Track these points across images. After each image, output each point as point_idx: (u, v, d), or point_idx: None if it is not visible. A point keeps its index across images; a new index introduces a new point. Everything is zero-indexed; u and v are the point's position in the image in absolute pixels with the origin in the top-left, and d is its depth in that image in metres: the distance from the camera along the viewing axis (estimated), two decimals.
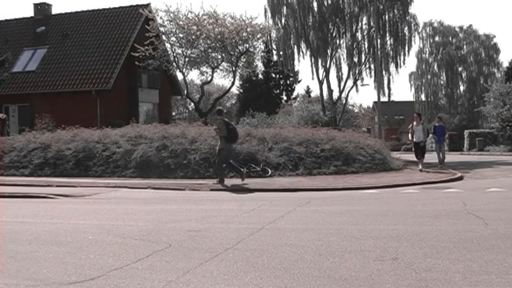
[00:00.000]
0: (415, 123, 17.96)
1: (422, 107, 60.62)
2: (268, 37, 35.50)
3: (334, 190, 12.72)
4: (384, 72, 36.89)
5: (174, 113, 50.89)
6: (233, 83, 29.47)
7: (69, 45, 30.32)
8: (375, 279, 4.47)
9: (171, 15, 24.68)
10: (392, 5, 36.66)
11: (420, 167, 17.71)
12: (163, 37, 25.41)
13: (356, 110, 61.37)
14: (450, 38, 58.26)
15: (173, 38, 25.26)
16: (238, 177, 15.62)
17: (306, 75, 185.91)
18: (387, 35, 36.99)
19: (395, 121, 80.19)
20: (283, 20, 37.56)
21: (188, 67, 26.21)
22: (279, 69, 50.04)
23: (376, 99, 34.20)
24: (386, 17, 36.95)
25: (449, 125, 52.73)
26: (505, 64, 52.87)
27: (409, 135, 18.30)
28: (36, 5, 33.58)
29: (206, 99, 45.49)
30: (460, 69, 58.15)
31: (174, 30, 24.99)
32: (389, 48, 37.45)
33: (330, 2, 36.80)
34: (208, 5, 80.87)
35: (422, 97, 60.13)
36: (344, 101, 40.01)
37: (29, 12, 63.31)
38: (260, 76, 59.51)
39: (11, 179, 15.68)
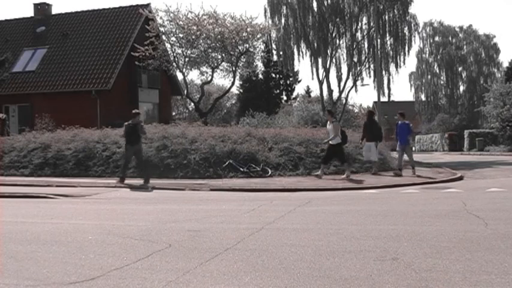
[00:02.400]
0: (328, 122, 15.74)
1: (422, 107, 60.59)
2: (268, 37, 35.51)
3: (334, 190, 12.73)
4: (383, 72, 36.87)
5: (174, 113, 50.88)
6: (233, 83, 29.52)
7: (69, 45, 30.31)
8: (375, 279, 4.47)
9: (171, 15, 24.70)
10: (392, 5, 36.65)
11: (319, 172, 15.12)
12: (163, 37, 25.42)
13: (356, 110, 61.41)
14: (450, 38, 58.21)
15: (173, 38, 25.29)
16: (239, 177, 15.64)
17: (306, 75, 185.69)
18: (387, 35, 36.97)
19: (396, 121, 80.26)
20: (283, 20, 37.55)
21: (188, 67, 26.23)
22: (279, 69, 50.01)
23: (376, 99, 34.17)
24: (386, 17, 36.93)
25: (449, 125, 52.72)
26: (505, 64, 52.84)
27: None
28: (36, 5, 33.56)
29: (206, 99, 45.51)
30: (460, 69, 58.09)
31: (174, 30, 25.01)
32: (389, 48, 37.43)
33: (329, 2, 36.78)
34: (208, 5, 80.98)
35: (422, 97, 60.08)
36: (344, 101, 40.02)
37: (29, 12, 63.40)
38: (260, 76, 59.51)
39: (11, 179, 15.68)
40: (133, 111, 15.19)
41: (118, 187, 13.65)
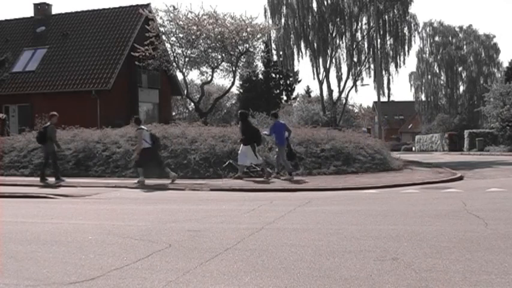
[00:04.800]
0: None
1: (422, 107, 60.61)
2: (268, 37, 35.55)
3: (334, 190, 12.72)
4: (383, 72, 36.95)
5: (174, 113, 50.89)
6: (233, 83, 29.52)
7: (69, 45, 30.30)
8: (375, 279, 4.47)
9: (171, 15, 24.69)
10: (392, 5, 36.69)
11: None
12: (163, 37, 25.41)
13: (356, 110, 61.47)
14: (450, 38, 58.22)
15: (173, 38, 25.28)
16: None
17: (306, 75, 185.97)
18: (387, 35, 37.02)
19: (395, 121, 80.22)
20: (283, 20, 37.60)
21: (188, 67, 26.22)
22: (279, 69, 50.09)
23: (376, 99, 34.20)
24: (386, 17, 36.98)
25: (449, 125, 52.72)
26: (505, 64, 52.87)
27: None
28: (36, 5, 33.56)
29: (206, 99, 45.52)
30: (460, 69, 58.10)
31: (174, 30, 25.00)
32: (389, 48, 37.49)
33: (329, 2, 36.83)
34: (208, 5, 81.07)
35: (422, 97, 60.12)
36: (344, 101, 40.06)
37: (29, 12, 63.39)
38: (260, 76, 59.55)
39: (11, 179, 15.69)
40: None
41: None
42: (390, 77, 38.07)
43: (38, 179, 15.09)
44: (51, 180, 14.82)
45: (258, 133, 15.26)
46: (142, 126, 15.03)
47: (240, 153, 15.13)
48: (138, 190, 13.46)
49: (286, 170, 15.18)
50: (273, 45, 39.99)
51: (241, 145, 15.07)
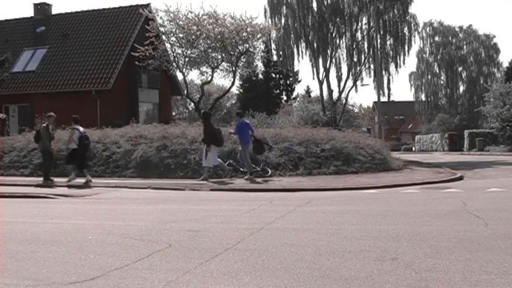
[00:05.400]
0: None
1: (422, 107, 60.59)
2: (268, 37, 35.48)
3: (334, 190, 12.72)
4: (383, 72, 36.91)
5: (174, 113, 50.89)
6: (233, 83, 29.48)
7: (69, 45, 30.30)
8: (375, 279, 4.47)
9: (171, 15, 24.68)
10: (392, 5, 36.66)
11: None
12: (163, 37, 25.40)
13: (356, 110, 61.42)
14: (450, 38, 58.20)
15: (173, 38, 25.26)
16: (239, 177, 15.65)
17: (306, 75, 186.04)
18: (387, 35, 37.00)
19: (395, 121, 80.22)
20: (283, 20, 37.59)
21: (188, 67, 26.20)
22: (279, 69, 50.06)
23: (376, 99, 34.20)
24: (386, 17, 36.95)
25: (449, 125, 52.71)
26: (505, 64, 52.87)
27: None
28: (36, 5, 33.55)
29: (206, 99, 45.50)
30: (460, 69, 58.08)
31: (174, 30, 24.99)
32: (389, 48, 37.46)
33: (329, 2, 36.80)
34: (208, 5, 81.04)
35: (422, 97, 60.10)
36: (344, 101, 40.03)
37: (29, 12, 63.37)
38: (260, 76, 59.54)
39: (11, 179, 15.69)
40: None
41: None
42: (390, 77, 38.06)
43: (39, 179, 15.09)
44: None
45: (218, 134, 15.23)
46: (77, 127, 14.98)
47: (207, 155, 15.03)
48: (138, 190, 13.45)
49: (246, 169, 15.29)
50: (273, 45, 39.98)
51: (204, 147, 15.07)
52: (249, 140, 15.36)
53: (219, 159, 15.43)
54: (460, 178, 15.40)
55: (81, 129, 15.03)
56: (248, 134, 15.35)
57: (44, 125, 15.36)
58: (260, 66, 53.07)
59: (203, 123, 15.48)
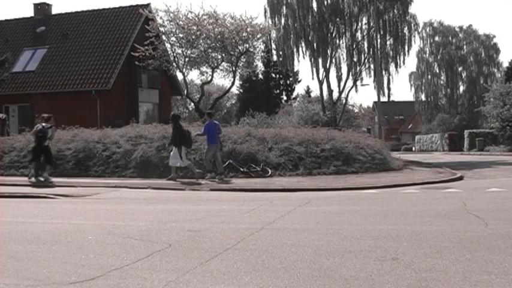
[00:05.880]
0: None
1: (422, 107, 60.58)
2: (268, 37, 35.49)
3: (334, 190, 12.72)
4: (383, 72, 36.91)
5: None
6: (233, 83, 29.50)
7: (69, 45, 30.30)
8: (375, 279, 4.47)
9: (171, 15, 24.69)
10: (392, 5, 36.66)
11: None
12: (163, 37, 25.40)
13: (356, 110, 61.42)
14: (450, 38, 58.18)
15: (173, 38, 25.27)
16: (239, 177, 15.63)
17: (306, 75, 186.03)
18: (387, 35, 36.99)
19: (395, 121, 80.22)
20: (282, 20, 37.59)
21: (188, 67, 26.21)
22: (279, 69, 50.07)
23: (376, 99, 34.20)
24: (386, 17, 36.94)
25: (449, 125, 52.71)
26: (505, 64, 52.88)
27: None
28: (36, 5, 33.55)
29: (206, 99, 45.50)
30: (460, 69, 58.07)
31: (174, 30, 24.99)
32: (389, 48, 37.45)
33: (329, 2, 36.79)
34: (208, 5, 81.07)
35: (422, 97, 60.09)
36: (344, 101, 40.03)
37: (29, 12, 63.38)
38: (260, 76, 59.54)
39: (11, 179, 15.68)
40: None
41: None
42: (390, 77, 38.05)
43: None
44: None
45: (187, 136, 15.31)
46: (43, 124, 15.06)
47: (171, 156, 15.14)
48: (138, 190, 13.45)
49: (206, 169, 15.36)
50: (273, 45, 39.96)
51: (173, 147, 15.17)
52: (217, 140, 15.39)
53: (188, 160, 15.46)
54: (460, 178, 15.40)
55: (44, 124, 15.08)
56: (216, 135, 15.34)
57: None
58: (260, 66, 53.10)
59: (172, 125, 15.54)
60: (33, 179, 14.79)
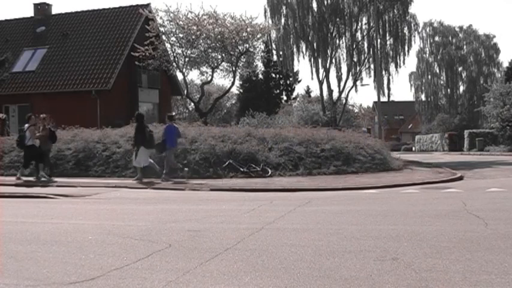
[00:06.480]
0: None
1: (422, 107, 60.55)
2: (268, 37, 35.52)
3: (334, 190, 12.72)
4: (383, 72, 36.92)
5: (174, 113, 50.81)
6: (233, 83, 29.52)
7: (69, 45, 30.29)
8: (375, 279, 4.47)
9: (171, 15, 24.70)
10: (392, 5, 36.67)
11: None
12: (163, 37, 25.41)
13: (356, 110, 61.43)
14: (450, 38, 58.16)
15: (173, 38, 25.29)
16: (239, 177, 15.64)
17: (306, 75, 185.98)
18: (387, 35, 37.00)
19: (395, 121, 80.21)
20: (282, 20, 37.60)
21: (188, 67, 26.23)
22: (279, 69, 50.04)
23: (376, 99, 34.19)
24: (386, 17, 36.96)
25: (449, 125, 52.69)
26: (505, 64, 52.83)
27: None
28: (36, 5, 33.54)
29: (206, 99, 45.51)
30: (460, 69, 58.05)
31: (174, 30, 25.00)
32: (389, 48, 37.46)
33: (329, 2, 36.80)
34: (208, 5, 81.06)
35: (422, 97, 60.07)
36: (344, 101, 40.04)
37: (29, 12, 63.37)
38: (260, 76, 59.54)
39: (11, 179, 15.68)
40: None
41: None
42: (390, 77, 38.08)
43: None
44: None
45: (150, 137, 15.30)
46: (26, 125, 15.52)
47: (138, 155, 15.08)
48: (138, 190, 13.45)
49: (165, 170, 15.21)
50: (273, 45, 40.00)
51: (135, 148, 15.20)
52: (175, 143, 15.46)
53: (150, 160, 15.44)
54: (460, 178, 15.40)
55: (25, 125, 15.60)
56: (174, 138, 15.40)
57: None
58: (260, 66, 53.12)
59: (136, 124, 15.50)
60: (20, 180, 14.99)
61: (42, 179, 15.00)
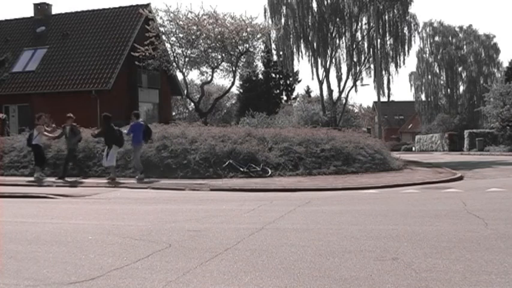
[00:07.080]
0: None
1: (422, 107, 60.52)
2: (268, 37, 35.47)
3: (334, 190, 12.72)
4: (383, 72, 36.85)
5: (174, 113, 50.86)
6: (233, 83, 29.51)
7: (69, 45, 30.30)
8: (375, 279, 4.47)
9: (171, 15, 24.70)
10: (392, 5, 36.63)
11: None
12: (163, 37, 25.41)
13: (356, 110, 61.39)
14: (450, 38, 58.14)
15: (173, 38, 25.29)
16: (239, 177, 15.63)
17: (306, 75, 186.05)
18: (387, 35, 36.96)
19: (395, 121, 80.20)
20: (282, 20, 37.56)
21: (188, 67, 26.23)
22: (279, 69, 50.02)
23: (376, 99, 34.19)
24: (386, 17, 36.92)
25: (449, 125, 52.68)
26: (505, 64, 52.82)
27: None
28: (36, 5, 33.56)
29: (206, 99, 45.47)
30: (460, 69, 58.02)
31: (174, 30, 25.00)
32: (389, 48, 37.41)
33: (329, 2, 36.77)
34: (208, 5, 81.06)
35: (422, 97, 60.03)
36: (344, 101, 40.00)
37: (29, 12, 63.34)
38: (260, 76, 59.49)
39: (11, 179, 15.68)
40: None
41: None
42: (390, 77, 38.00)
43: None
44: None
45: (119, 135, 15.40)
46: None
47: (108, 155, 15.10)
48: (138, 190, 13.45)
49: (137, 170, 15.33)
50: (273, 45, 39.91)
51: (106, 148, 15.28)
52: (141, 141, 15.53)
53: (111, 162, 15.39)
54: (460, 178, 15.40)
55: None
56: (140, 136, 15.44)
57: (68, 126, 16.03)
58: (260, 66, 53.06)
59: (105, 125, 15.57)
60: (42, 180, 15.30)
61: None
